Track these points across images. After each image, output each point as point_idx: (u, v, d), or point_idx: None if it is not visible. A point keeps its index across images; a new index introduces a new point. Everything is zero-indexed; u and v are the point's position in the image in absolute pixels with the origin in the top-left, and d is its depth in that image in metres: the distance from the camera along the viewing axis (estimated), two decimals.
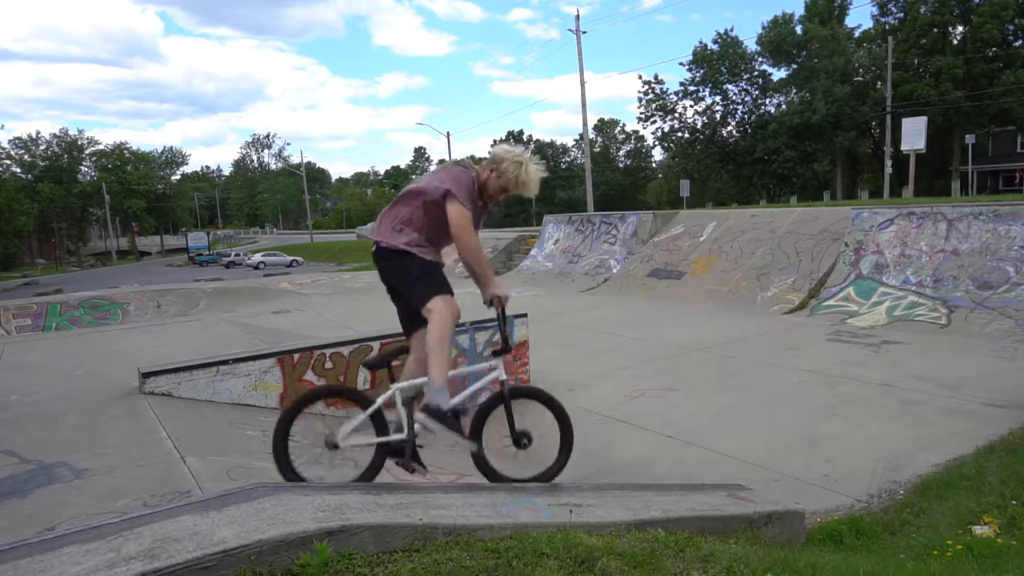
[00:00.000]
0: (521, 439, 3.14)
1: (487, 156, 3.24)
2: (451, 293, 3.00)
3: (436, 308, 2.92)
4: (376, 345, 6.06)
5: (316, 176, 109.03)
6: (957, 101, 40.45)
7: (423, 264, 3.01)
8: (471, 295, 3.21)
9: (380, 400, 2.97)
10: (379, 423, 2.98)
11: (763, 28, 49.22)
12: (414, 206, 3.03)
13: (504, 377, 3.18)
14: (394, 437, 2.97)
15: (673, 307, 12.18)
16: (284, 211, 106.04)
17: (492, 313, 3.12)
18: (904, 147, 30.63)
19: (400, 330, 3.28)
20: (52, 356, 7.54)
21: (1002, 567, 2.88)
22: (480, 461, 3.14)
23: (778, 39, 47.56)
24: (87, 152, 74.02)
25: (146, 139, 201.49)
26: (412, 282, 3.02)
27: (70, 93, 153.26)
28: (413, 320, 3.13)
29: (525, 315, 7.05)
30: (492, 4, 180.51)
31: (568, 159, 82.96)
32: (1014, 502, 3.74)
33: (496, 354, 3.24)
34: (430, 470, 3.12)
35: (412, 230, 3.02)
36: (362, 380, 5.96)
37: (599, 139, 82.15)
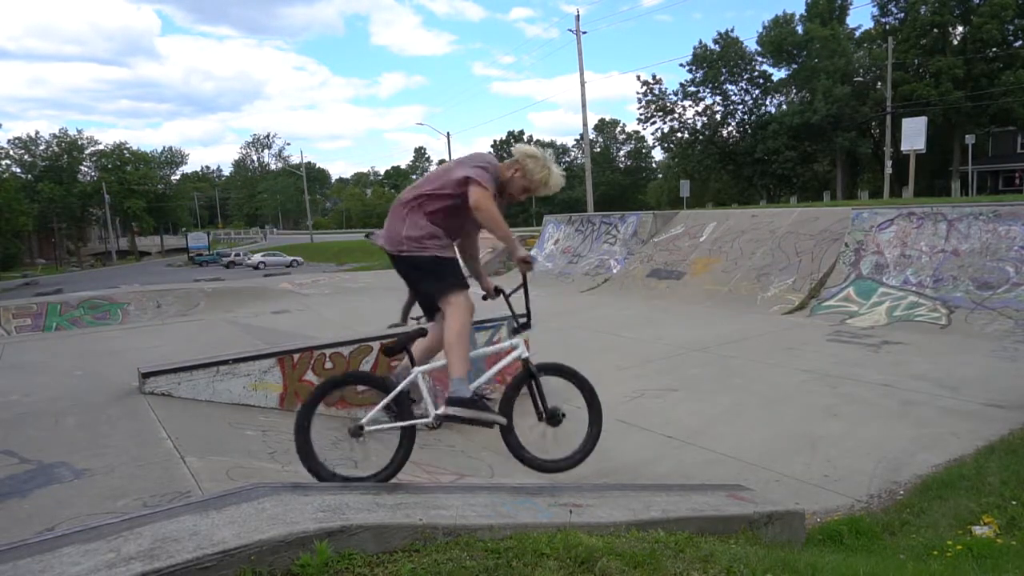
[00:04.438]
0: (556, 415, 3.10)
1: (510, 155, 3.23)
2: (467, 287, 3.03)
3: (454, 302, 2.95)
4: (376, 345, 6.04)
5: (316, 176, 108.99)
6: (957, 101, 40.45)
7: (438, 260, 3.02)
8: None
9: (402, 384, 2.92)
10: (403, 407, 2.93)
11: (763, 28, 49.29)
12: (435, 199, 3.02)
13: (527, 355, 3.10)
14: (419, 420, 2.94)
15: (673, 307, 12.17)
16: (284, 211, 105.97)
17: (492, 314, 3.13)
18: (904, 147, 30.66)
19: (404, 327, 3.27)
20: (52, 356, 7.53)
21: (1002, 567, 2.88)
22: (511, 440, 3.06)
23: (778, 39, 47.56)
24: (87, 152, 74.16)
25: (144, 139, 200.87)
26: (428, 278, 3.04)
27: (67, 92, 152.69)
28: (432, 307, 3.14)
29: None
30: (492, 3, 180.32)
31: (568, 159, 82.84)
32: (1014, 502, 3.74)
33: (516, 331, 3.14)
34: (429, 470, 3.12)
35: (429, 223, 3.00)
36: None
37: (599, 139, 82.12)
